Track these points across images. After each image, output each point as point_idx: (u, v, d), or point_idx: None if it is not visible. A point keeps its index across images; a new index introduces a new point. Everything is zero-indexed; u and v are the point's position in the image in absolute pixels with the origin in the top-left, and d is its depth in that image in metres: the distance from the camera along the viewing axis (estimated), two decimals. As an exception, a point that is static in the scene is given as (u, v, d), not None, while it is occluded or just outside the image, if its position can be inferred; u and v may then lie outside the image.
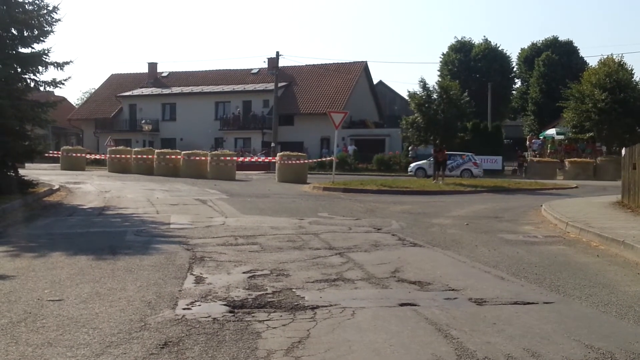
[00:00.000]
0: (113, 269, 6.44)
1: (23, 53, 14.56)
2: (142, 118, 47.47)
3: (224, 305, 4.98)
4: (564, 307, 5.16)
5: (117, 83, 53.16)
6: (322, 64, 47.69)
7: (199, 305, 4.97)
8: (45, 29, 14.52)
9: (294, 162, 25.63)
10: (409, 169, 30.71)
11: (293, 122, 44.11)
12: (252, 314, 4.72)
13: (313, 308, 4.88)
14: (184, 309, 4.85)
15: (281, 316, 4.66)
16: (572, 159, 32.18)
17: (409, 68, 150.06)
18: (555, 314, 4.87)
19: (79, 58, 48.97)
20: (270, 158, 31.99)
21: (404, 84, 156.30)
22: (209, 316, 4.63)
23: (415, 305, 5.04)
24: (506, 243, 8.77)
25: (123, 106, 49.79)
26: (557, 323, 4.61)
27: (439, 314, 4.77)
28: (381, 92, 54.31)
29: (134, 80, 52.47)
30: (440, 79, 40.80)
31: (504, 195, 19.63)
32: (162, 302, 5.03)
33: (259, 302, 5.08)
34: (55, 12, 14.52)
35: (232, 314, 4.71)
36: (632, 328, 4.59)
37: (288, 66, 46.18)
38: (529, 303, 5.19)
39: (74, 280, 5.87)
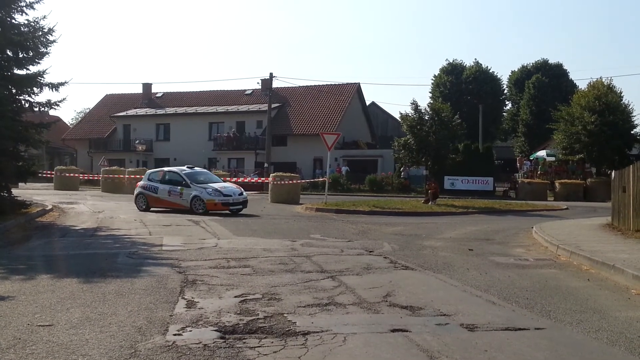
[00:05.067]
0: (104, 292, 6.41)
1: (18, 74, 14.65)
2: (136, 138, 47.45)
3: (215, 330, 4.97)
4: (556, 333, 5.18)
5: (112, 103, 53.21)
6: (315, 85, 48.03)
7: (190, 330, 4.96)
8: (41, 50, 14.64)
9: (287, 182, 25.69)
10: None
11: (286, 143, 44.25)
12: (243, 340, 4.71)
13: (304, 334, 4.88)
14: (174, 334, 4.83)
15: (272, 342, 4.66)
16: (562, 180, 32.39)
17: (401, 90, 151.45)
18: (546, 341, 4.89)
19: (74, 78, 49.32)
20: (264, 178, 32.01)
21: (396, 106, 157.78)
22: (200, 342, 4.62)
23: (407, 331, 5.05)
24: (497, 266, 8.80)
25: (117, 126, 49.80)
26: (548, 350, 4.63)
27: (431, 340, 4.78)
28: (374, 113, 54.67)
29: (128, 100, 52.57)
30: (432, 101, 41.28)
31: (495, 216, 19.69)
32: (152, 328, 5.01)
33: (251, 327, 5.07)
34: (51, 34, 14.68)
35: (223, 340, 4.70)
36: (623, 355, 4.62)
37: (281, 87, 46.48)
38: (520, 329, 5.21)
39: (64, 304, 5.84)
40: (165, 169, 20.51)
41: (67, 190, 29.19)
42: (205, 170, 23.77)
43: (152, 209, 18.67)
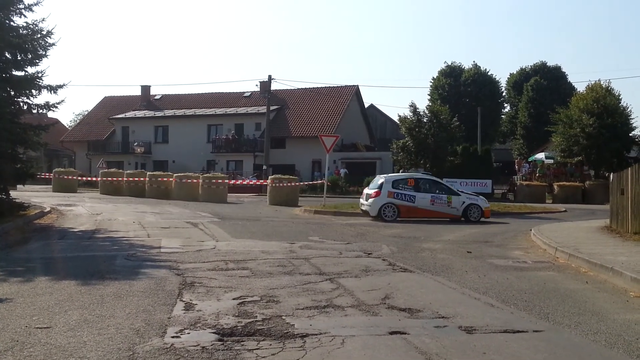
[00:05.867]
0: (102, 294, 6.40)
1: (17, 76, 14.64)
2: (134, 140, 47.45)
3: (213, 333, 4.96)
4: (554, 335, 5.18)
5: (110, 105, 53.21)
6: (313, 88, 48.08)
7: (188, 333, 4.95)
8: (39, 52, 14.64)
9: (285, 185, 25.70)
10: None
11: (285, 145, 44.26)
12: (242, 343, 4.70)
13: (303, 336, 4.88)
14: (172, 337, 4.82)
15: (270, 345, 4.65)
16: (561, 183, 32.43)
17: (399, 92, 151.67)
18: (544, 343, 4.89)
19: (72, 80, 49.30)
20: (262, 181, 32.01)
21: (395, 108, 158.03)
22: (198, 345, 4.61)
23: (405, 333, 5.04)
24: (496, 269, 8.80)
25: (116, 128, 49.79)
26: (547, 352, 4.63)
27: (429, 343, 4.77)
28: (372, 116, 54.69)
29: (127, 102, 52.57)
30: (430, 103, 41.20)
31: (494, 218, 19.68)
32: (151, 330, 5.00)
33: (249, 329, 5.06)
34: (50, 37, 14.68)
35: (221, 343, 4.69)
36: (621, 357, 4.62)
37: (280, 89, 46.53)
38: (518, 331, 5.21)
39: (62, 306, 5.82)
40: (416, 175, 19.00)
41: (66, 193, 29.13)
42: None
43: (398, 219, 17.25)
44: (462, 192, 18.66)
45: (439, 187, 18.21)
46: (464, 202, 17.80)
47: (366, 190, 18.65)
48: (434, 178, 18.91)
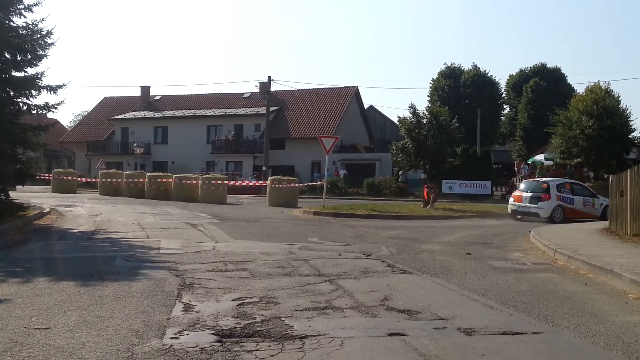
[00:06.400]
0: (101, 295, 6.40)
1: (16, 77, 14.64)
2: (134, 141, 47.45)
3: (212, 334, 4.96)
4: (553, 337, 5.18)
5: (110, 106, 53.22)
6: (313, 89, 48.20)
7: (187, 334, 4.95)
8: (39, 53, 14.63)
9: (284, 186, 25.69)
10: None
11: (284, 146, 44.27)
12: (241, 344, 4.70)
13: (302, 338, 4.88)
14: (171, 338, 4.82)
15: (269, 346, 4.65)
16: (561, 185, 32.44)
17: (399, 93, 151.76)
18: (544, 345, 4.89)
19: (72, 81, 49.25)
20: (262, 182, 32.00)
21: (394, 109, 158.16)
22: (197, 346, 4.61)
23: (405, 335, 5.04)
24: (495, 270, 8.80)
25: (115, 129, 49.79)
26: (546, 354, 4.63)
27: (428, 345, 4.77)
28: (372, 117, 54.74)
29: (126, 103, 52.57)
30: (430, 105, 41.28)
31: (493, 220, 19.72)
32: (150, 331, 5.00)
33: (248, 331, 5.06)
34: (49, 37, 14.67)
35: (220, 344, 4.69)
36: (620, 359, 4.62)
37: (280, 90, 46.55)
38: (517, 333, 5.21)
39: (61, 307, 5.82)
40: (569, 180, 21.44)
41: (65, 193, 29.11)
42: None
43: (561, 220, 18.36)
44: (598, 195, 20.09)
45: (585, 191, 20.20)
46: (602, 204, 19.35)
47: (526, 194, 19.56)
48: (580, 183, 21.35)
